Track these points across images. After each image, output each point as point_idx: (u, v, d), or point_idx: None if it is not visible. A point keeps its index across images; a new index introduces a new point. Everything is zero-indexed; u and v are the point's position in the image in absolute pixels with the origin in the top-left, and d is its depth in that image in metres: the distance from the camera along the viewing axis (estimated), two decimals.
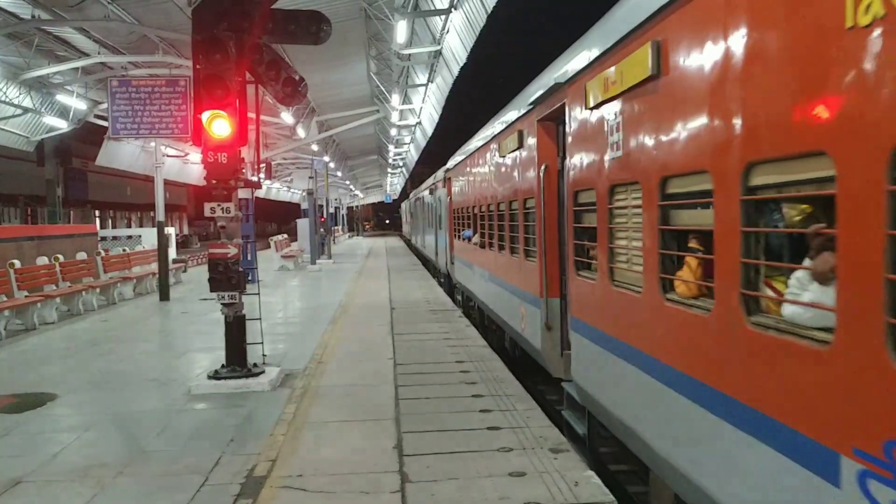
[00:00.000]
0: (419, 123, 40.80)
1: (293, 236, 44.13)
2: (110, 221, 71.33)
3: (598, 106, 6.92)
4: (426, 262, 36.34)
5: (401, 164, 76.73)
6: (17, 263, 17.82)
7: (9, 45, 20.61)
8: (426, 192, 35.23)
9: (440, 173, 26.87)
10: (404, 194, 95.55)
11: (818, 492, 3.53)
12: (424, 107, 35.54)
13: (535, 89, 10.13)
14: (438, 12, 20.67)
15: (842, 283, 3.38)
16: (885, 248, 3.05)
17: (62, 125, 26.69)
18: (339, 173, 63.22)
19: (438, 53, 24.96)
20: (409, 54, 25.22)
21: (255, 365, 10.53)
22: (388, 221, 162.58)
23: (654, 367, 5.69)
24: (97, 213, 63.07)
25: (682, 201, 5.31)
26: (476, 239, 16.85)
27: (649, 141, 5.72)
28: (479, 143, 16.20)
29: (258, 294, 11.40)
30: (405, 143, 55.92)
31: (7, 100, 23.24)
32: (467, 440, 7.46)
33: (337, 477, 6.55)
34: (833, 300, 3.46)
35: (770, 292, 4.15)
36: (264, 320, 11.47)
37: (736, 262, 4.30)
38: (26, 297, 16.87)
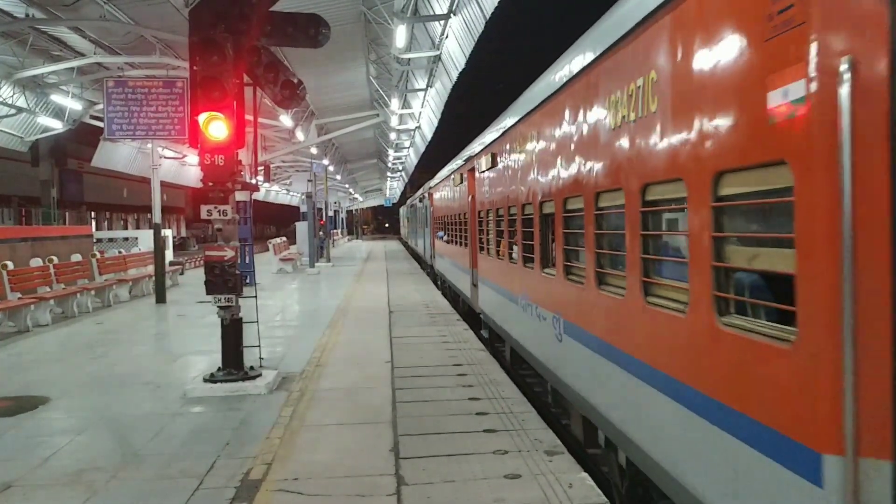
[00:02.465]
0: (418, 128, 40.80)
1: (292, 239, 44.05)
2: (106, 223, 71.23)
3: (482, 172, 14.68)
4: (420, 259, 41.59)
5: (400, 168, 76.75)
6: (11, 265, 17.73)
7: (3, 43, 20.51)
8: (417, 201, 43.08)
9: (426, 187, 35.01)
10: (404, 198, 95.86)
11: (515, 303, 11.32)
12: (424, 111, 35.54)
13: (466, 152, 18.43)
14: (437, 17, 20.65)
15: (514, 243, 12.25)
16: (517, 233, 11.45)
17: (57, 125, 26.63)
18: (339, 177, 63.25)
19: (437, 58, 24.95)
20: (409, 59, 25.21)
21: (251, 368, 10.45)
22: (387, 225, 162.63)
23: (498, 289, 13.20)
24: (93, 214, 62.98)
25: (499, 218, 12.71)
26: (445, 237, 25.00)
27: (492, 192, 13.53)
28: (445, 174, 24.79)
29: (255, 297, 11.33)
30: (405, 148, 55.92)
31: (1, 99, 23.15)
32: (463, 443, 7.44)
33: (333, 480, 6.49)
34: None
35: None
36: (262, 323, 11.40)
37: (506, 243, 12.18)
38: (19, 298, 16.78)
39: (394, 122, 36.37)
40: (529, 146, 10.08)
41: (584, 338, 7.42)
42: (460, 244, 19.78)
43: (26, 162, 46.13)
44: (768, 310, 4.20)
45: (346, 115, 34.55)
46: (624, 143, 6.14)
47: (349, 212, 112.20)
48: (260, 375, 10.34)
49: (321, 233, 39.74)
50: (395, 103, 31.20)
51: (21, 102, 24.02)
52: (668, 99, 5.22)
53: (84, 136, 39.75)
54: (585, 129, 7.28)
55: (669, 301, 5.35)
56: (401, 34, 20.02)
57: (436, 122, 39.05)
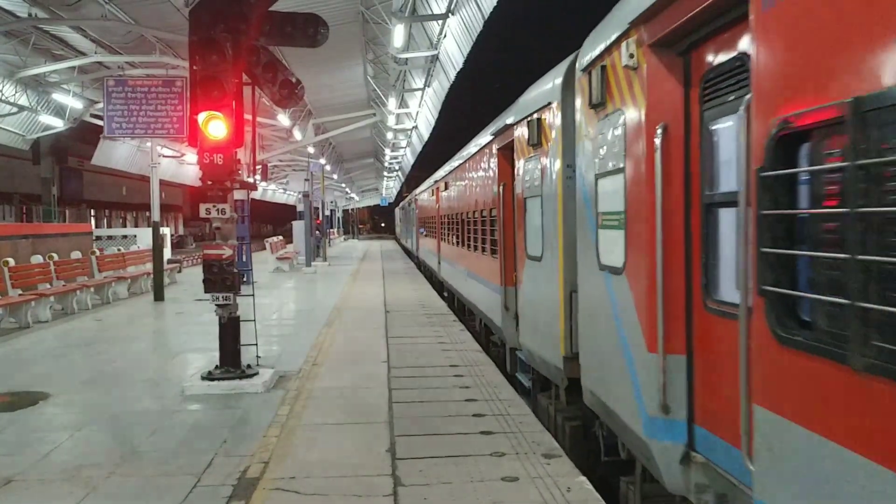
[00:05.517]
0: (415, 127, 40.81)
1: (289, 238, 44.08)
2: (105, 221, 71.19)
3: (442, 191, 23.78)
4: (409, 253, 48.26)
5: (397, 167, 76.76)
6: (12, 261, 17.79)
7: (5, 43, 20.60)
8: (407, 205, 52.07)
9: (413, 194, 45.63)
10: (400, 198, 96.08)
11: (454, 268, 20.65)
12: (421, 111, 35.57)
13: (437, 175, 26.85)
14: (436, 17, 20.70)
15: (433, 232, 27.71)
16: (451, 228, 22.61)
17: (58, 124, 26.69)
18: (335, 176, 63.23)
19: (435, 58, 25.00)
20: (406, 58, 25.25)
21: (248, 366, 10.51)
22: (383, 224, 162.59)
23: (450, 262, 21.89)
24: (92, 212, 62.93)
25: (449, 220, 21.56)
26: (425, 233, 33.26)
27: (445, 204, 22.88)
28: (425, 187, 34.50)
29: (253, 295, 11.39)
30: (401, 147, 55.92)
31: (3, 98, 23.21)
32: (460, 444, 7.47)
33: (330, 479, 6.55)
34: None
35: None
36: (259, 322, 11.45)
37: (451, 235, 21.02)
38: (20, 295, 16.84)
39: (391, 121, 36.44)
40: (452, 186, 20.67)
41: (472, 275, 16.42)
42: (433, 237, 28.11)
43: (27, 160, 46.05)
44: (494, 249, 12.76)
45: (344, 114, 34.58)
46: (468, 197, 16.86)
47: (345, 211, 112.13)
48: (257, 374, 10.39)
49: (318, 232, 39.77)
50: (392, 103, 31.25)
51: (23, 101, 24.08)
52: (477, 184, 15.29)
53: (84, 135, 39.74)
54: (463, 186, 17.83)
55: (488, 253, 13.59)
56: (398, 34, 20.07)
57: (433, 122, 39.09)
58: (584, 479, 6.50)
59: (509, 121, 11.02)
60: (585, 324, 7.12)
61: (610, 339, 6.16)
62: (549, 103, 8.59)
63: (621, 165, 5.85)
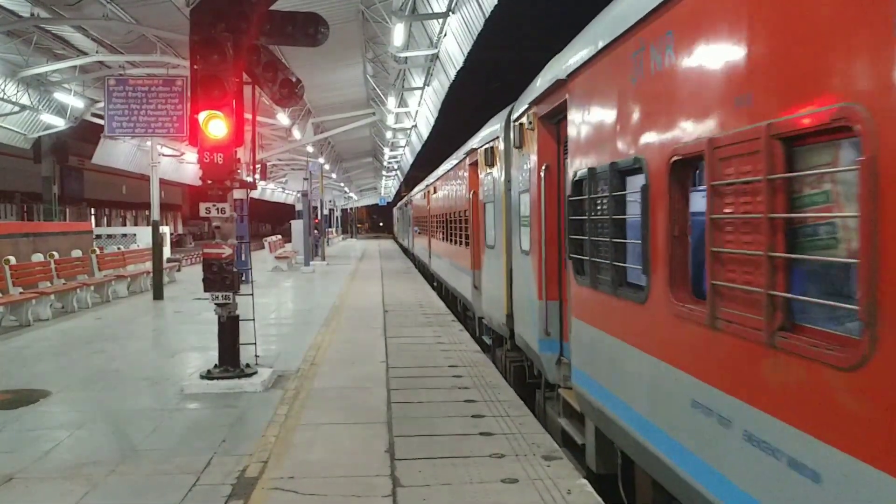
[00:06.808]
0: (415, 127, 40.79)
1: (287, 237, 44.10)
2: (105, 219, 71.20)
3: (431, 194, 27.75)
4: (406, 251, 52.06)
5: (396, 166, 76.75)
6: (13, 260, 17.81)
7: (7, 42, 20.61)
8: (404, 206, 56.62)
9: (409, 196, 50.73)
10: (399, 197, 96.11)
11: (442, 260, 24.14)
12: (420, 110, 35.55)
13: (427, 180, 31.57)
14: (436, 16, 20.70)
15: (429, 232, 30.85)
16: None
17: (59, 123, 26.70)
18: (334, 175, 63.20)
19: (435, 57, 24.99)
20: (406, 57, 25.24)
21: (247, 365, 10.53)
22: (381, 224, 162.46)
23: (439, 256, 25.00)
24: (93, 210, 62.96)
25: (438, 220, 24.56)
26: (418, 231, 36.88)
27: (434, 205, 26.26)
28: (418, 190, 38.39)
29: (252, 295, 11.40)
30: (400, 146, 55.93)
31: (5, 97, 23.23)
32: (459, 445, 7.47)
33: (328, 479, 6.57)
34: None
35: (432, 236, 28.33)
36: (257, 321, 11.46)
37: (431, 231, 27.77)
38: (21, 293, 16.85)
39: (390, 120, 36.43)
40: (440, 190, 23.69)
41: (453, 264, 19.58)
42: (425, 234, 31.46)
43: (28, 158, 45.99)
44: (467, 242, 16.08)
45: (343, 113, 34.56)
46: (450, 200, 20.54)
47: (344, 210, 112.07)
48: (256, 373, 10.41)
49: (316, 231, 39.79)
50: (391, 102, 31.23)
51: (24, 100, 24.10)
52: (456, 190, 18.80)
53: (85, 134, 39.75)
54: (447, 191, 21.40)
55: (463, 245, 16.75)
56: (398, 33, 20.05)
57: (432, 121, 39.07)
58: (584, 481, 6.49)
59: (474, 145, 14.47)
60: (515, 289, 10.73)
61: (525, 296, 9.72)
62: (497, 137, 11.96)
63: (528, 187, 9.36)
